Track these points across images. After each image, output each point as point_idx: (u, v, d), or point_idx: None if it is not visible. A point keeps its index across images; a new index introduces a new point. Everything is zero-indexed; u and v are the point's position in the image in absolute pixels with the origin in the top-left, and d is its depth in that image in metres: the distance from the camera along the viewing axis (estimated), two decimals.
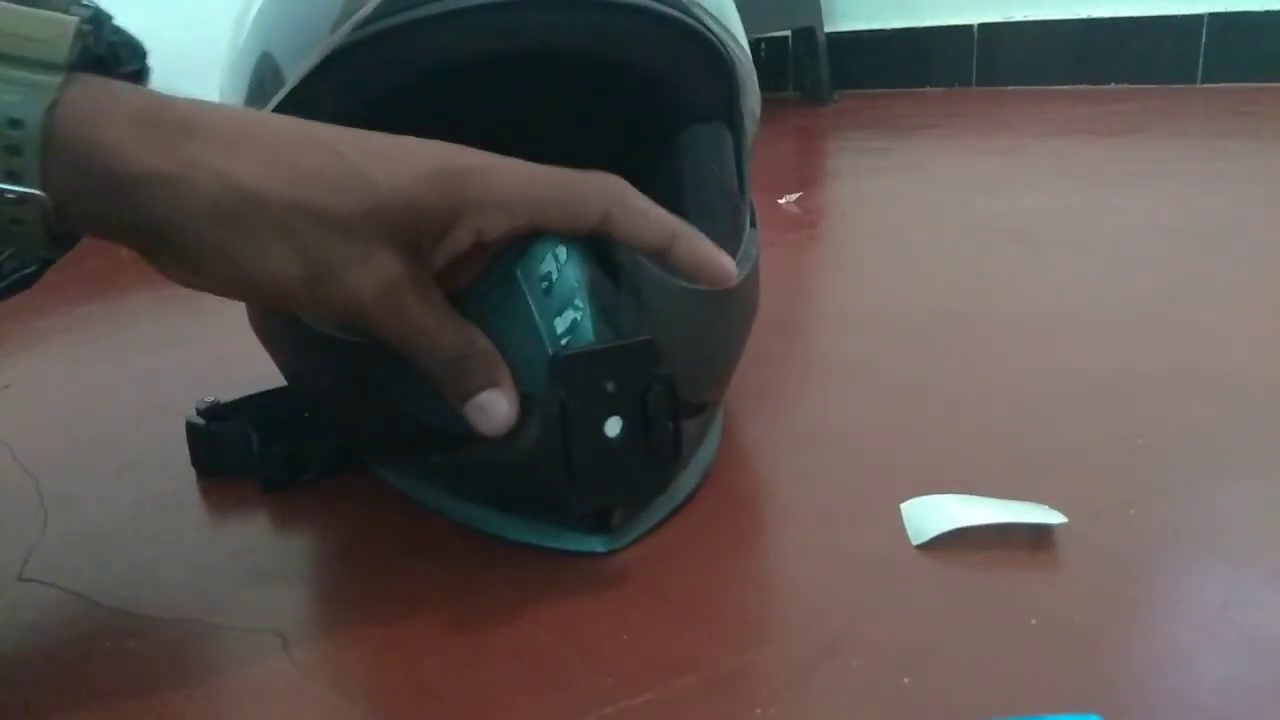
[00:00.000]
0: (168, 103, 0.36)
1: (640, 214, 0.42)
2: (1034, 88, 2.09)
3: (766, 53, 2.32)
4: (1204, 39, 1.91)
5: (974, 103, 2.03)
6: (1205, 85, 1.92)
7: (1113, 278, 0.88)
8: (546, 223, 0.42)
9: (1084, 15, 2.04)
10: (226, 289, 0.38)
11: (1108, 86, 2.01)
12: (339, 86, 0.48)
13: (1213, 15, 1.89)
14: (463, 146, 0.41)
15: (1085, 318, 0.78)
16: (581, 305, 0.43)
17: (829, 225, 1.22)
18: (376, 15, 0.45)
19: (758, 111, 0.62)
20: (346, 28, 0.45)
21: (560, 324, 0.44)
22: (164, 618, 0.47)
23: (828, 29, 2.20)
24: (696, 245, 0.43)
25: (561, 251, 0.44)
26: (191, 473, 0.62)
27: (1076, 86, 2.04)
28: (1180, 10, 1.92)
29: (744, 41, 0.57)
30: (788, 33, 2.29)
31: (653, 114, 0.57)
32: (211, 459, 0.61)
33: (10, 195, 0.33)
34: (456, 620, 0.45)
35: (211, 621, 0.47)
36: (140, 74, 0.39)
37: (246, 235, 0.36)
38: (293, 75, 0.47)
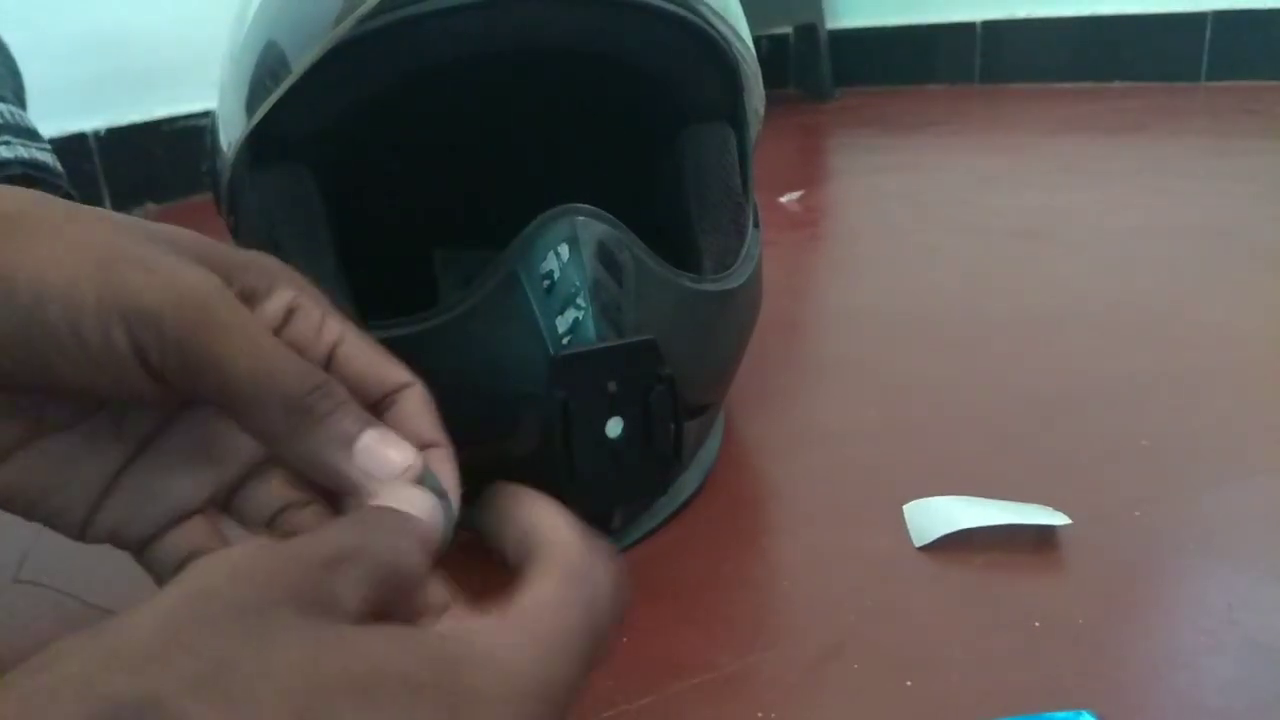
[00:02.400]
0: None
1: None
2: (1037, 85, 2.08)
3: (768, 50, 2.31)
4: (1208, 36, 1.90)
5: (977, 100, 2.02)
6: (1209, 83, 1.91)
7: (1117, 277, 0.88)
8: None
9: (1088, 12, 2.03)
10: None
11: (1111, 84, 2.01)
12: (341, 81, 0.48)
13: (1217, 13, 1.89)
14: None
15: (1089, 317, 0.78)
16: (583, 305, 0.43)
17: (830, 224, 1.21)
18: (380, 9, 0.45)
19: (761, 110, 0.61)
20: (350, 21, 0.44)
21: (562, 323, 0.43)
22: None
23: (829, 26, 2.20)
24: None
25: (564, 250, 0.44)
26: None
27: (1080, 84, 2.04)
28: (1184, 8, 1.92)
29: (748, 40, 0.57)
30: (789, 30, 2.28)
31: (656, 112, 0.56)
32: None
33: None
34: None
35: None
36: None
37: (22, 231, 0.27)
38: (296, 68, 0.47)
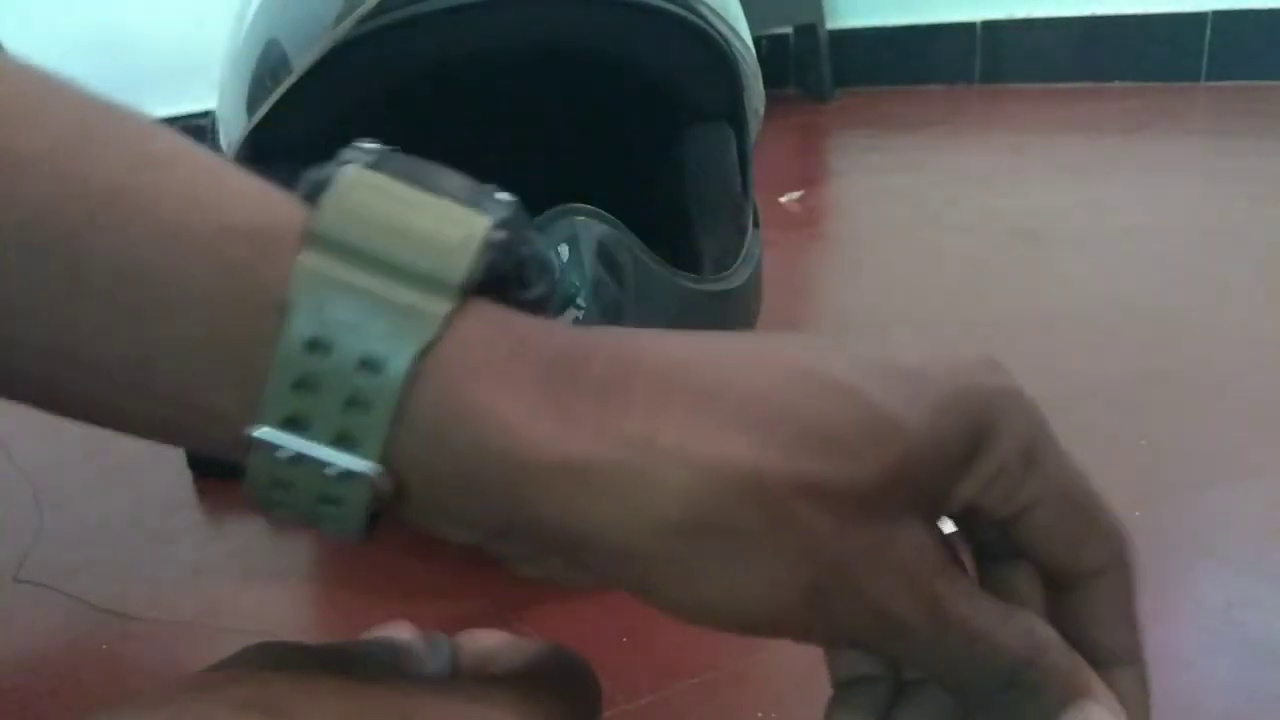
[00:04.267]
0: (588, 344, 0.22)
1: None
2: (1037, 85, 2.08)
3: (768, 50, 2.31)
4: (1208, 37, 1.91)
5: (976, 100, 2.02)
6: (1209, 83, 1.91)
7: (1116, 277, 0.88)
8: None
9: (1087, 13, 2.03)
10: (676, 613, 0.24)
11: (1111, 84, 2.01)
12: (341, 81, 0.48)
13: (1216, 13, 1.89)
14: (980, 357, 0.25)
15: (1088, 317, 0.78)
16: (584, 304, 0.43)
17: (830, 224, 1.21)
18: (379, 9, 0.45)
19: (761, 110, 0.61)
20: (350, 22, 0.44)
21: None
22: (160, 619, 0.47)
23: (829, 26, 2.20)
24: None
25: (564, 250, 0.44)
26: (188, 473, 0.62)
27: (1080, 84, 2.04)
28: (1184, 8, 1.92)
29: (748, 39, 0.57)
30: (789, 30, 2.28)
31: (656, 112, 0.56)
32: (209, 459, 0.61)
33: (334, 470, 0.21)
34: (455, 622, 0.45)
35: (208, 623, 0.46)
36: (544, 301, 0.24)
37: (721, 543, 0.22)
38: (296, 69, 0.47)
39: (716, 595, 0.23)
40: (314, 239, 0.21)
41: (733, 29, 0.54)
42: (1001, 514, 0.24)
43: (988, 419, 0.23)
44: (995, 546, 0.25)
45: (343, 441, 0.21)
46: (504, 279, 0.22)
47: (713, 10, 0.52)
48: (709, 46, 0.53)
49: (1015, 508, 0.24)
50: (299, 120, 0.49)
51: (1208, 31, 1.91)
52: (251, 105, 0.49)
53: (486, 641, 0.27)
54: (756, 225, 0.59)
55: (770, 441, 0.21)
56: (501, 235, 0.22)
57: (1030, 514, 0.24)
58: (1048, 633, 0.24)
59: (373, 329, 0.20)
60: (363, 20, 0.45)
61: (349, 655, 0.25)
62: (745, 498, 0.21)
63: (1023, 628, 0.23)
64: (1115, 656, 0.25)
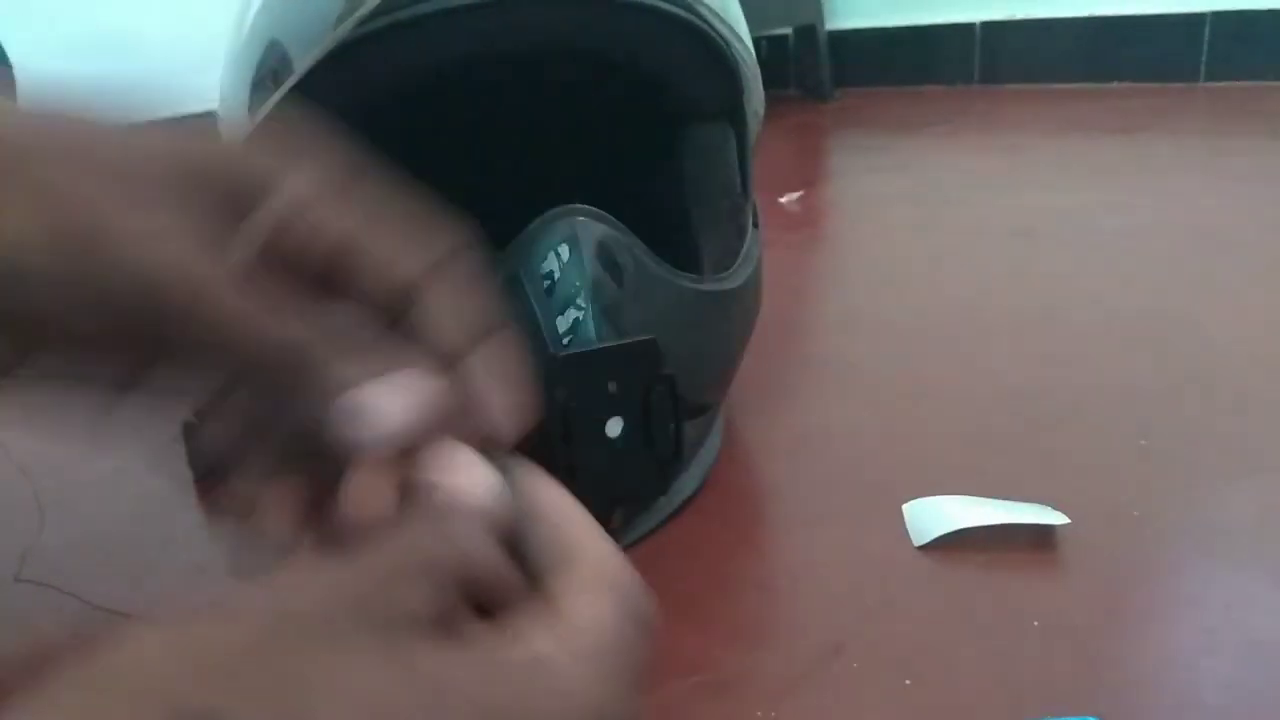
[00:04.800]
0: None
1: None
2: (1036, 86, 2.08)
3: (768, 51, 2.31)
4: (1207, 37, 1.91)
5: (976, 101, 2.03)
6: (1208, 84, 1.91)
7: (1115, 277, 0.88)
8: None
9: (1086, 13, 2.03)
10: None
11: (1110, 85, 2.01)
12: (342, 83, 0.48)
13: (1216, 14, 1.89)
14: None
15: (1088, 317, 0.78)
16: (584, 305, 0.43)
17: (830, 224, 1.21)
18: (380, 11, 0.45)
19: (761, 111, 0.61)
20: (350, 23, 0.45)
21: (562, 323, 0.44)
22: None
23: (829, 26, 2.20)
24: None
25: (564, 251, 0.44)
26: (189, 473, 0.62)
27: (1079, 85, 2.04)
28: (1183, 8, 1.92)
29: (748, 40, 0.57)
30: (789, 30, 2.28)
31: (656, 113, 0.57)
32: (210, 460, 0.61)
33: None
34: None
35: None
36: None
37: None
38: (297, 70, 0.47)
39: None
40: None
41: (733, 30, 0.54)
42: (317, 250, 0.26)
43: (269, 164, 0.26)
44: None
45: None
46: None
47: (713, 11, 0.53)
48: (709, 47, 0.53)
49: (331, 239, 0.26)
50: (300, 121, 0.49)
51: (1206, 32, 1.91)
52: (252, 106, 0.49)
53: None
54: (756, 225, 0.59)
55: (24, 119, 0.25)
56: None
57: (349, 242, 0.26)
58: (333, 338, 0.25)
59: None
60: (363, 21, 0.45)
61: None
62: None
63: (297, 332, 0.25)
64: (475, 337, 0.26)
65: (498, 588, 0.24)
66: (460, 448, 0.26)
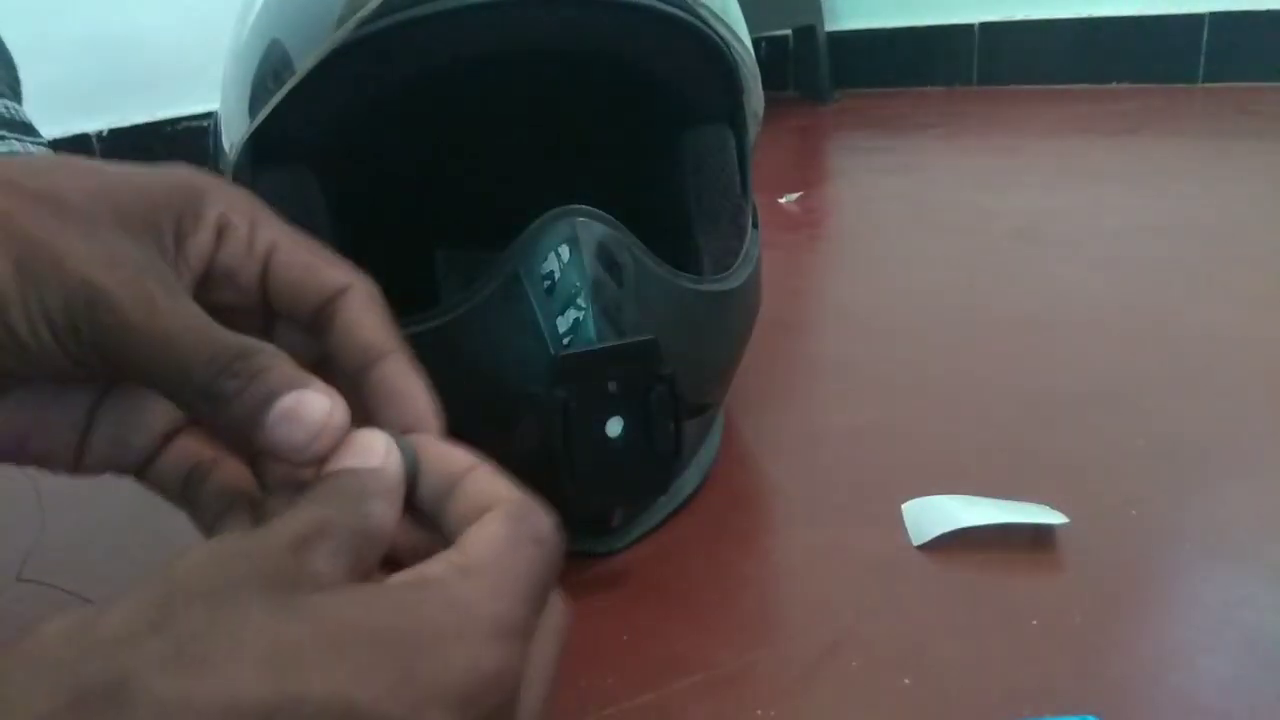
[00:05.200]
0: None
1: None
2: (1035, 87, 2.08)
3: (767, 52, 2.32)
4: (1205, 38, 1.91)
5: (975, 102, 2.03)
6: (1206, 85, 1.91)
7: (1114, 277, 0.88)
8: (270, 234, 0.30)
9: (1085, 14, 2.03)
10: None
11: (1109, 86, 2.01)
12: (343, 83, 0.48)
13: (1214, 14, 1.89)
14: None
15: (1086, 317, 0.78)
16: (584, 305, 0.43)
17: (829, 225, 1.22)
18: (381, 11, 0.45)
19: (760, 112, 0.61)
20: (351, 24, 0.45)
21: (562, 323, 0.44)
22: None
23: (828, 28, 2.20)
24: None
25: (564, 250, 0.44)
26: None
27: (1077, 86, 2.04)
28: (1181, 9, 1.92)
29: (748, 42, 0.57)
30: (788, 31, 2.29)
31: (656, 114, 0.57)
32: None
33: None
34: None
35: None
36: None
37: None
38: (298, 70, 0.47)
39: None
40: None
41: (732, 31, 0.55)
42: (249, 266, 0.29)
43: (200, 185, 0.29)
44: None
45: None
46: None
47: (712, 13, 0.53)
48: (709, 48, 0.53)
49: (259, 254, 0.29)
50: (301, 121, 0.49)
51: (1205, 33, 1.91)
52: (254, 106, 0.49)
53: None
54: (756, 226, 0.59)
55: None
56: None
57: (274, 258, 0.29)
58: (266, 348, 0.27)
59: None
60: (365, 22, 0.45)
61: None
62: None
63: (238, 344, 0.27)
64: (379, 352, 0.29)
65: (401, 543, 0.25)
66: (359, 430, 0.27)
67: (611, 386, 0.44)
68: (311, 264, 0.30)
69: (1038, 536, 0.48)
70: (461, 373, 0.45)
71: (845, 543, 0.50)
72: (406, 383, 0.29)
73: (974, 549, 0.47)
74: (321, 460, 0.26)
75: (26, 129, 0.77)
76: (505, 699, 0.23)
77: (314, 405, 0.26)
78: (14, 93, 0.82)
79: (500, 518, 0.25)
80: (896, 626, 0.43)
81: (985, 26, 2.16)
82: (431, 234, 0.64)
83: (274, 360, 0.27)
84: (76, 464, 0.30)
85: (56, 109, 1.11)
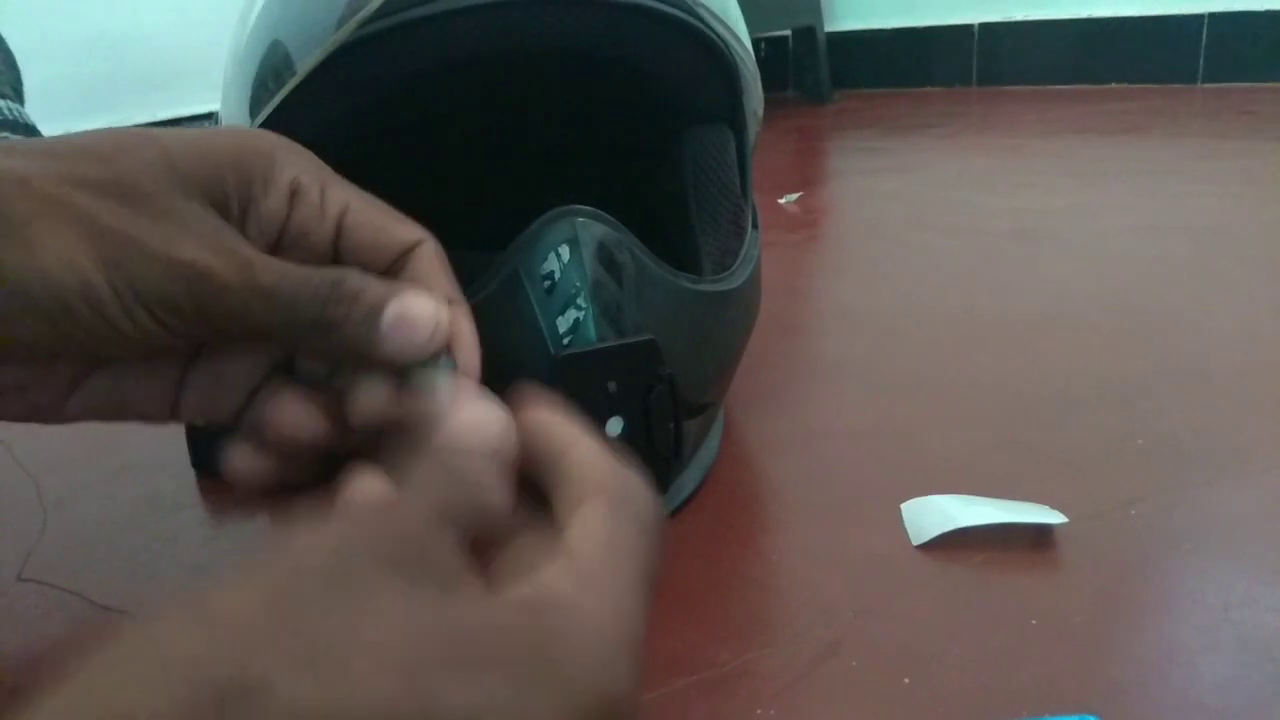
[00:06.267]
0: None
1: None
2: (1034, 87, 2.09)
3: (767, 52, 2.32)
4: (1204, 39, 1.91)
5: (974, 102, 2.03)
6: (1206, 85, 1.92)
7: (1113, 278, 0.88)
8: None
9: (1084, 15, 2.04)
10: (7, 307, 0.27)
11: (1108, 86, 2.01)
12: (344, 83, 0.48)
13: (1213, 15, 1.89)
14: None
15: (1085, 317, 0.78)
16: (584, 305, 0.43)
17: (829, 225, 1.22)
18: (382, 12, 0.45)
19: (760, 112, 0.62)
20: (351, 24, 0.45)
21: (562, 323, 0.44)
22: None
23: (828, 28, 2.20)
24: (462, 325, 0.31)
25: (564, 251, 0.44)
26: (191, 473, 0.62)
27: (1077, 86, 2.04)
28: (1181, 10, 1.92)
29: (747, 42, 0.57)
30: (788, 32, 2.29)
31: (656, 114, 0.57)
32: (211, 459, 0.61)
33: None
34: None
35: None
36: None
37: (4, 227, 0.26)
38: (299, 71, 0.47)
39: (45, 262, 0.27)
40: None
41: (732, 31, 0.55)
42: (323, 226, 0.30)
43: (265, 149, 0.30)
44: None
45: None
46: None
47: (712, 13, 0.53)
48: (708, 49, 0.53)
49: (332, 215, 0.30)
50: (302, 122, 0.49)
51: (1204, 34, 1.91)
52: (255, 107, 0.49)
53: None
54: (756, 226, 0.59)
55: (40, 158, 0.27)
56: None
57: (347, 219, 0.31)
58: (351, 272, 0.29)
59: None
60: (366, 22, 0.45)
61: None
62: (15, 188, 0.27)
63: (328, 276, 0.29)
64: (457, 297, 0.31)
65: (513, 526, 0.25)
66: (464, 379, 0.29)
67: (611, 386, 0.44)
68: (383, 223, 0.31)
69: (1037, 536, 0.48)
70: None
71: (845, 542, 0.50)
72: (464, 338, 0.31)
73: (973, 548, 0.47)
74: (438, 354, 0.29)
75: (29, 130, 0.78)
76: (630, 714, 0.22)
77: (421, 306, 0.29)
78: (16, 94, 0.82)
79: (604, 507, 0.25)
80: (896, 626, 0.43)
81: (985, 27, 2.17)
82: (432, 234, 0.64)
83: (364, 281, 0.29)
84: (171, 417, 0.32)
85: (57, 109, 1.11)
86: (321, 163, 0.31)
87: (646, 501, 0.25)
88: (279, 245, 0.30)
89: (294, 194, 0.30)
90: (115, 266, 0.27)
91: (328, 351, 0.30)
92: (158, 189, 0.28)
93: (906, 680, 0.39)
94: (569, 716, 0.20)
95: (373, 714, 0.18)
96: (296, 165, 0.31)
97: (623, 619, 0.23)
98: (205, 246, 0.28)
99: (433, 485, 0.24)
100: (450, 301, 0.31)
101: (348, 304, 0.28)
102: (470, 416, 0.27)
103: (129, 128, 0.30)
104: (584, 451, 0.26)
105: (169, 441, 0.64)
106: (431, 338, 0.29)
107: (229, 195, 0.29)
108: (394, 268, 0.31)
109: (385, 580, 0.20)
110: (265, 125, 0.48)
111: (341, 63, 0.46)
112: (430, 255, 0.31)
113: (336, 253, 0.31)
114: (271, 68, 0.49)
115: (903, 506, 0.51)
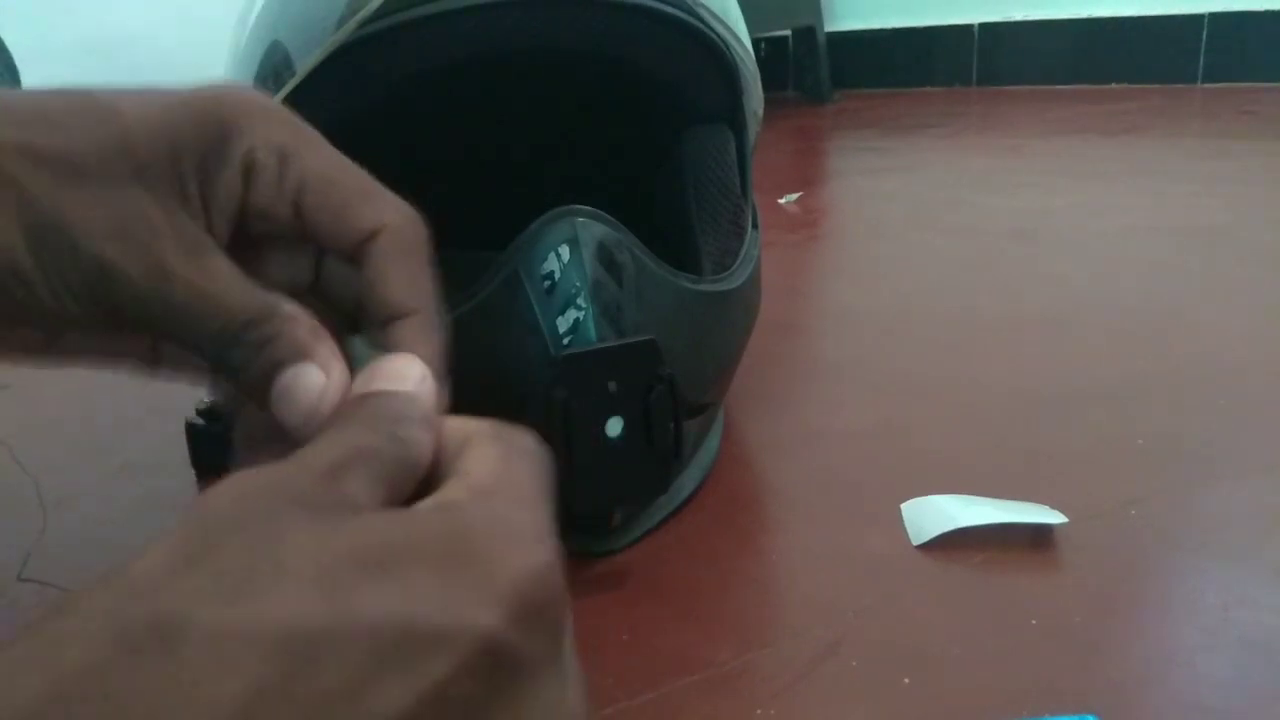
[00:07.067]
0: None
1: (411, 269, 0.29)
2: (1034, 87, 2.09)
3: (767, 52, 2.32)
4: (1204, 39, 1.91)
5: (974, 102, 2.03)
6: (1206, 85, 1.92)
7: (1113, 278, 0.88)
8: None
9: (1084, 15, 2.04)
10: None
11: (1108, 86, 2.01)
12: (344, 83, 0.48)
13: (1213, 15, 1.89)
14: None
15: (1085, 318, 0.78)
16: (584, 305, 0.43)
17: (829, 225, 1.22)
18: (382, 12, 0.45)
19: (760, 112, 0.62)
20: (351, 25, 0.45)
21: (563, 323, 0.44)
22: None
23: (828, 28, 2.20)
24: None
25: (564, 251, 0.44)
26: (191, 473, 0.62)
27: (1077, 86, 2.04)
28: (1181, 10, 1.92)
29: (747, 43, 0.57)
30: (788, 32, 2.29)
31: (656, 114, 0.57)
32: (211, 459, 0.61)
33: None
34: None
35: None
36: None
37: None
38: (299, 71, 0.47)
39: None
40: None
41: (732, 32, 0.55)
42: (281, 206, 0.28)
43: (227, 116, 0.27)
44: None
45: None
46: None
47: (712, 13, 0.53)
48: (709, 49, 0.53)
49: (289, 193, 0.28)
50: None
51: (1204, 34, 1.91)
52: None
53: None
54: (756, 226, 0.59)
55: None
56: None
57: (304, 197, 0.28)
58: (290, 306, 0.27)
59: None
60: (365, 23, 0.45)
61: None
62: None
63: (258, 298, 0.27)
64: (402, 310, 0.28)
65: (435, 466, 0.25)
66: (394, 355, 0.27)
67: (611, 386, 0.44)
68: (341, 206, 0.28)
69: (1037, 536, 0.48)
70: (461, 373, 0.45)
71: (845, 542, 0.50)
72: (416, 348, 0.28)
73: (973, 548, 0.47)
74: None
75: None
76: (556, 596, 0.22)
77: (308, 383, 0.26)
78: None
79: (486, 441, 0.25)
80: (896, 626, 0.43)
81: (985, 27, 2.17)
82: (432, 234, 0.64)
83: (284, 326, 0.26)
84: (154, 369, 0.30)
85: None
86: (295, 127, 0.28)
87: (527, 438, 0.26)
88: (244, 220, 0.28)
89: (248, 170, 0.27)
90: (42, 246, 0.25)
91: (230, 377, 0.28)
92: (102, 168, 0.26)
93: (906, 680, 0.39)
94: (499, 597, 0.21)
95: (291, 629, 0.19)
96: (254, 135, 0.27)
97: (525, 509, 0.23)
98: (124, 242, 0.26)
99: (346, 429, 0.24)
100: (407, 313, 0.28)
101: (253, 349, 0.26)
102: (388, 366, 0.27)
103: (98, 91, 0.27)
104: (454, 418, 0.27)
105: (169, 441, 0.64)
106: (305, 425, 0.26)
107: (185, 175, 0.27)
108: (359, 253, 0.28)
109: (293, 516, 0.21)
110: None
111: (341, 63, 0.46)
112: (390, 249, 0.28)
113: (304, 233, 0.28)
114: (271, 68, 0.49)
115: (903, 506, 0.51)
